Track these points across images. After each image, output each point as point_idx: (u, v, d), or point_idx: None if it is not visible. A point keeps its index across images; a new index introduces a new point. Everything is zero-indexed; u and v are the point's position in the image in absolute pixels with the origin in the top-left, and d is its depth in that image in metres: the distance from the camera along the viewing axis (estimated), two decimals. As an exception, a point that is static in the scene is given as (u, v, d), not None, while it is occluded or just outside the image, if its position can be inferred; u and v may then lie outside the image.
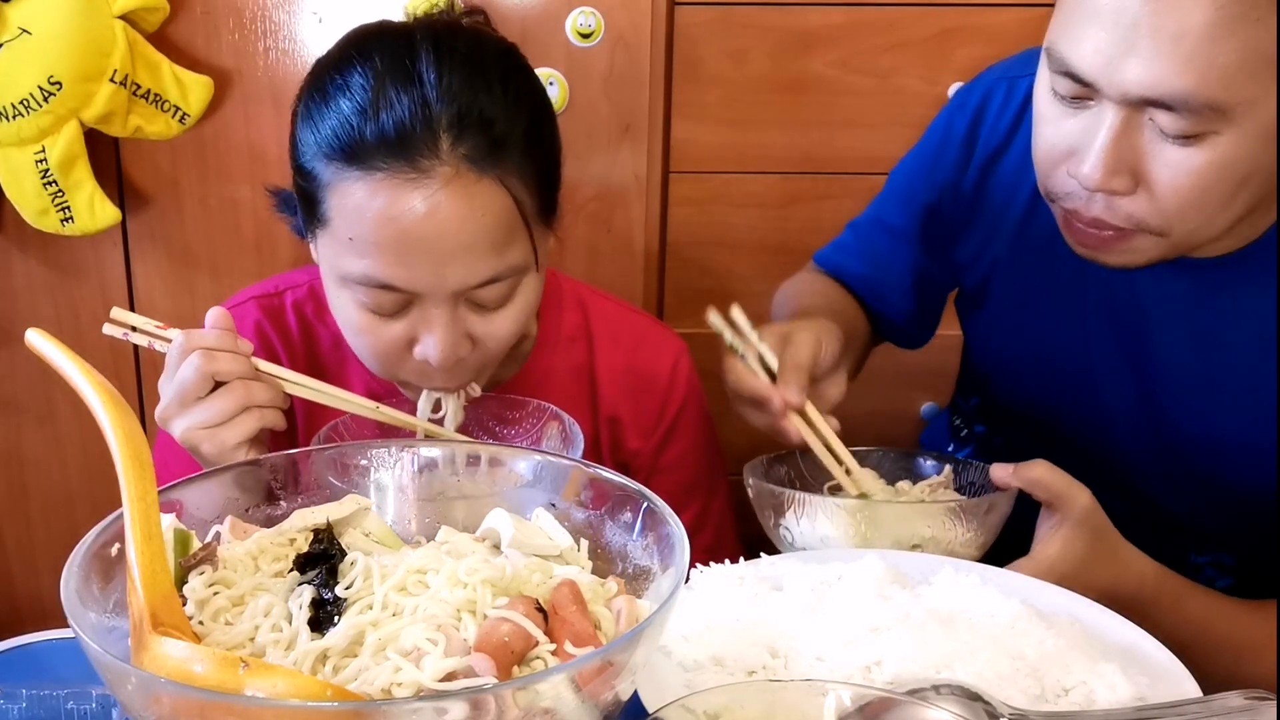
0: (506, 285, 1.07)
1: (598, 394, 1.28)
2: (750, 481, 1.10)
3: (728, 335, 1.12)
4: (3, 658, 0.90)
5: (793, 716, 0.69)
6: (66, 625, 0.64)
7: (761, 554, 1.01)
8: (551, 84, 1.73)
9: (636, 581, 0.76)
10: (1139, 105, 0.93)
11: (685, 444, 1.30)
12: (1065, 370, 1.22)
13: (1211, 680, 1.03)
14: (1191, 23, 0.87)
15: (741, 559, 1.00)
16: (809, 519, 1.05)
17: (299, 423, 1.23)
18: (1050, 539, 1.01)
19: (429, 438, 1.10)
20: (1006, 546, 1.05)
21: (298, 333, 1.23)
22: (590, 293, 1.31)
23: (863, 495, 1.10)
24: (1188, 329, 1.11)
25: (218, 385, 1.03)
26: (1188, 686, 0.84)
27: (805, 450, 1.11)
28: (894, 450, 1.18)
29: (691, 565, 0.96)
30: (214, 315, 1.06)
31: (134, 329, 1.07)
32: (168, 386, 1.04)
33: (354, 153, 1.01)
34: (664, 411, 1.28)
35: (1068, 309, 1.19)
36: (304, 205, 1.09)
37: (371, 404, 1.09)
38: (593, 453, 1.27)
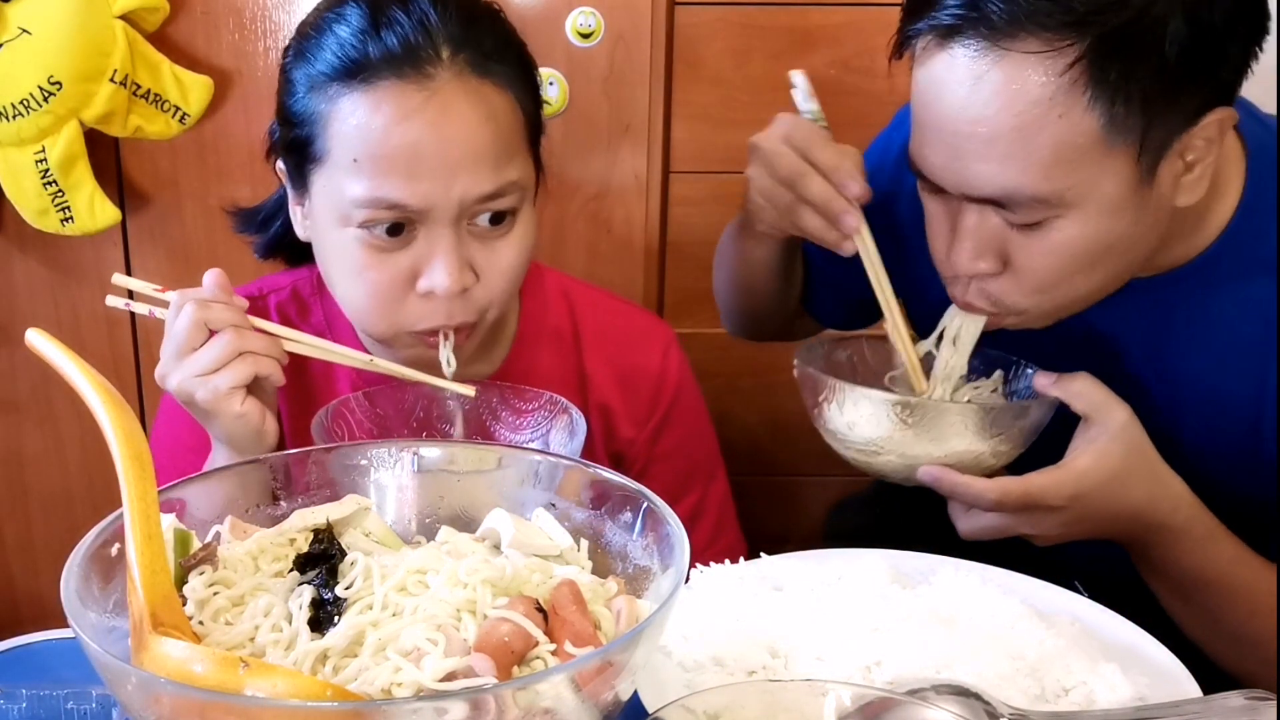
0: (509, 202, 1.07)
1: (587, 385, 1.27)
2: (797, 363, 1.11)
3: (815, 106, 1.15)
4: (3, 658, 0.90)
5: (793, 716, 0.69)
6: (66, 625, 0.64)
7: (761, 554, 1.01)
8: (551, 84, 1.74)
9: (636, 581, 0.76)
10: (981, 201, 0.99)
11: (681, 432, 1.30)
12: None
13: (1218, 632, 1.04)
14: (1000, 128, 0.94)
15: (742, 559, 1.00)
16: (837, 405, 1.07)
17: (285, 425, 1.22)
18: (1084, 450, 1.02)
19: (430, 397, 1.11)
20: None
21: None
22: (573, 284, 1.31)
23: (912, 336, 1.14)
24: (1142, 347, 1.13)
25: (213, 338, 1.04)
26: (1188, 686, 0.84)
27: (854, 257, 1.14)
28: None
29: (695, 562, 0.96)
30: (211, 275, 1.06)
31: (133, 295, 1.07)
32: (166, 346, 1.05)
33: (356, 70, 1.03)
34: (657, 400, 1.28)
35: (1018, 339, 1.18)
36: (294, 159, 1.09)
37: (365, 357, 1.10)
38: (585, 443, 1.27)
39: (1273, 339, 1.06)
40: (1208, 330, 1.09)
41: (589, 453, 1.24)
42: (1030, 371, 1.11)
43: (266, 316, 1.22)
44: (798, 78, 1.16)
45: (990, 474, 1.06)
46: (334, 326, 1.22)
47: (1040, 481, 1.02)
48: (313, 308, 1.23)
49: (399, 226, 1.05)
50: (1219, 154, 1.01)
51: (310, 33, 1.07)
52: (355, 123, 1.02)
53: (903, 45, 1.01)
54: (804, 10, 1.74)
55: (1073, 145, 0.94)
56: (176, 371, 1.04)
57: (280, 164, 1.14)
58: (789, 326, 1.45)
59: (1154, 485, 1.03)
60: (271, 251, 1.27)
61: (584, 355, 1.27)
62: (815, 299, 1.41)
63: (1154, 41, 0.91)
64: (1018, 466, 1.07)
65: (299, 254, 1.24)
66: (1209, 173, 1.00)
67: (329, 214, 1.07)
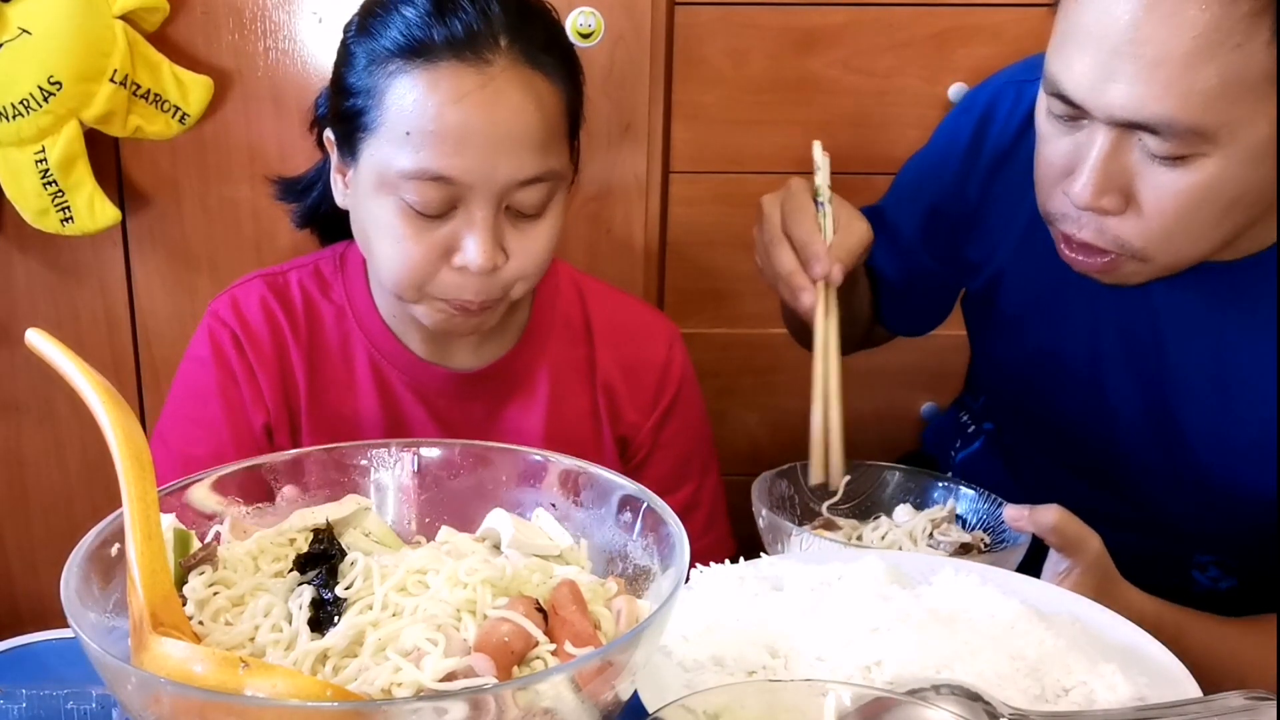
0: (545, 190, 1.12)
1: (595, 372, 1.32)
2: (755, 499, 1.11)
3: (820, 177, 1.17)
4: (3, 658, 0.90)
5: (793, 716, 0.69)
6: (66, 625, 0.64)
7: (762, 554, 1.01)
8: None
9: (636, 581, 0.76)
10: (1127, 127, 0.94)
11: (682, 423, 1.35)
12: (1073, 374, 1.21)
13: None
14: (1170, 50, 0.88)
15: (742, 559, 1.00)
16: (799, 550, 1.06)
17: (303, 424, 1.23)
18: (1060, 583, 1.01)
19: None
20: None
21: (302, 308, 1.27)
22: (585, 278, 1.36)
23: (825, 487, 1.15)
24: (1201, 335, 1.11)
25: None
26: (1188, 686, 0.84)
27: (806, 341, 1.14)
28: (905, 469, 1.20)
29: (692, 560, 0.96)
30: None
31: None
32: None
33: (419, 49, 1.08)
34: (662, 390, 1.34)
35: (1077, 315, 1.18)
36: (345, 127, 1.13)
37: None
38: (592, 422, 1.31)
39: None
40: (1262, 324, 1.07)
41: (597, 436, 1.27)
42: (987, 496, 1.12)
43: (288, 291, 1.28)
44: (816, 151, 1.18)
45: None
46: (354, 302, 1.27)
47: None
48: (334, 284, 1.28)
49: (442, 200, 1.09)
50: None
51: (377, 10, 1.12)
52: (413, 99, 1.07)
53: None
54: (804, 10, 1.73)
55: (1240, 80, 0.88)
56: None
57: (328, 133, 1.18)
58: (867, 338, 1.47)
59: (1116, 608, 1.00)
60: (307, 220, 1.33)
61: (594, 345, 1.32)
62: (885, 311, 1.42)
63: None
64: None
65: (330, 228, 1.31)
66: None
67: (374, 183, 1.11)
